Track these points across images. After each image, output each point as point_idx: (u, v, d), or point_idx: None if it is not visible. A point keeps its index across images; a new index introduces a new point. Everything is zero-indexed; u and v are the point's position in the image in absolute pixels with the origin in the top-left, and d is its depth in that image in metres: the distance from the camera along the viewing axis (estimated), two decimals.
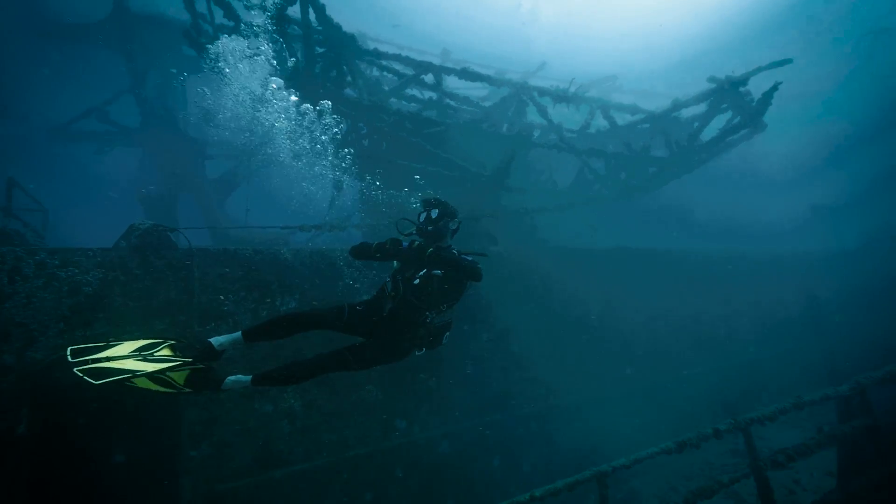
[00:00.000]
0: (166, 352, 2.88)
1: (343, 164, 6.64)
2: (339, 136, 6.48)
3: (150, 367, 2.72)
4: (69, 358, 2.63)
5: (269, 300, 5.22)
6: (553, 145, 6.56)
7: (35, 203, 8.95)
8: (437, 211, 3.31)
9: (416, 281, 3.09)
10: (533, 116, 7.36)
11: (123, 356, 2.72)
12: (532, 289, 7.18)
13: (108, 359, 2.67)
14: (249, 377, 3.08)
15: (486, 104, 7.76)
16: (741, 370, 9.45)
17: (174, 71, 15.97)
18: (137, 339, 2.94)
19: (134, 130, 16.84)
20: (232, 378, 3.06)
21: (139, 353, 2.80)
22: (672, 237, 10.70)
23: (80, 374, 2.55)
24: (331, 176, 6.66)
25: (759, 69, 6.49)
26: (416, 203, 5.93)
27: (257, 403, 4.85)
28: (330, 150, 6.06)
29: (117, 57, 15.59)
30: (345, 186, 6.68)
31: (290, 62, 5.40)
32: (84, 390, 4.10)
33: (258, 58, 5.80)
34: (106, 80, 17.28)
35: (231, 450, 4.63)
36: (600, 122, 7.86)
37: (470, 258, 3.15)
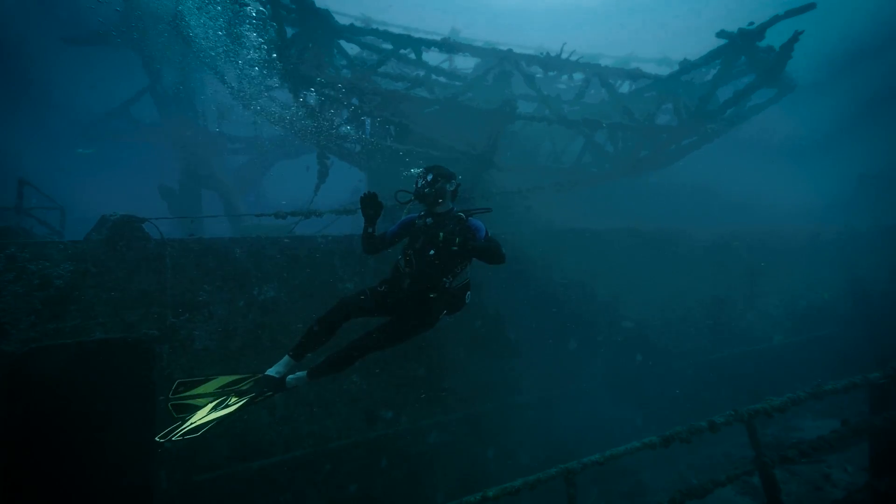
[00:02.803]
0: (235, 399, 3.11)
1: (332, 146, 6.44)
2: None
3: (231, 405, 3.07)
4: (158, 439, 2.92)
5: (246, 289, 5.12)
6: (542, 118, 6.09)
7: (50, 201, 9.26)
8: (432, 174, 3.27)
9: (432, 252, 3.11)
10: (527, 90, 6.85)
11: (203, 415, 3.00)
12: (530, 272, 6.81)
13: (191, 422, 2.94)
14: (305, 372, 3.20)
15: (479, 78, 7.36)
16: (771, 357, 8.75)
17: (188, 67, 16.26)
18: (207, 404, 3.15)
19: (155, 127, 17.38)
20: (292, 377, 3.19)
21: (216, 409, 3.07)
22: (689, 216, 9.96)
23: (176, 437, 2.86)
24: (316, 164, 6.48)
25: (777, 18, 5.69)
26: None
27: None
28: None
29: (135, 56, 15.98)
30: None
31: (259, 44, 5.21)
32: (56, 383, 4.15)
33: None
34: (130, 79, 17.82)
35: (208, 440, 4.56)
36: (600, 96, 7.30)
37: (483, 227, 3.15)
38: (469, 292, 3.38)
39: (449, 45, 6.00)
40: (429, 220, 3.25)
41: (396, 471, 5.35)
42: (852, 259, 10.51)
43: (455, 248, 2.94)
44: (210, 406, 3.09)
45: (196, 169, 16.74)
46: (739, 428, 4.23)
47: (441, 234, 3.07)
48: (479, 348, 6.24)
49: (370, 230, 3.30)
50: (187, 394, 3.15)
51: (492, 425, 6.07)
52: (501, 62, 6.34)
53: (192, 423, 2.92)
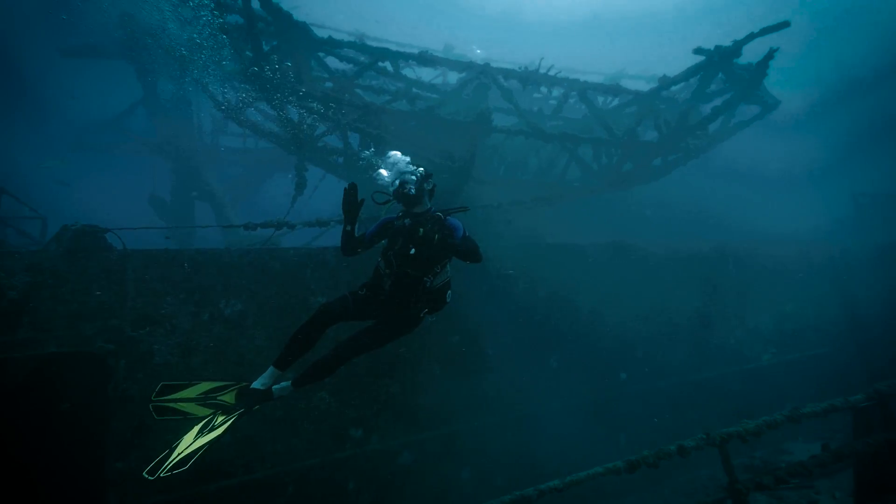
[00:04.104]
0: (222, 418, 3.04)
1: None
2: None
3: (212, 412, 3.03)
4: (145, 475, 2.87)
5: (212, 302, 4.99)
6: (518, 131, 6.04)
7: (32, 211, 9.18)
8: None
9: (412, 251, 3.13)
10: (506, 104, 6.82)
11: (190, 442, 2.91)
12: (511, 286, 6.68)
13: (178, 452, 2.84)
14: (290, 382, 3.19)
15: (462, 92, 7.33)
16: (761, 377, 8.55)
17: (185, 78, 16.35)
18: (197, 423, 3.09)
19: (149, 138, 17.43)
20: (277, 387, 3.18)
21: (202, 432, 2.99)
22: (678, 232, 9.85)
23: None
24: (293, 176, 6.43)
25: (752, 36, 5.68)
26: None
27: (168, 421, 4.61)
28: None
29: (131, 68, 16.08)
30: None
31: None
32: (3, 399, 3.99)
33: None
34: (123, 87, 17.94)
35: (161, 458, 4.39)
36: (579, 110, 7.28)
37: (460, 227, 3.19)
38: (450, 291, 3.41)
39: (425, 59, 6.00)
40: (407, 220, 3.25)
41: (364, 494, 5.14)
42: (844, 278, 10.37)
43: (434, 245, 3.01)
44: (196, 430, 2.98)
45: (189, 180, 16.73)
46: (734, 447, 4.07)
47: (421, 230, 3.10)
48: (456, 364, 6.07)
49: (349, 228, 3.26)
50: (170, 397, 3.13)
51: (467, 445, 5.87)
52: (479, 76, 6.33)
53: (179, 454, 2.81)
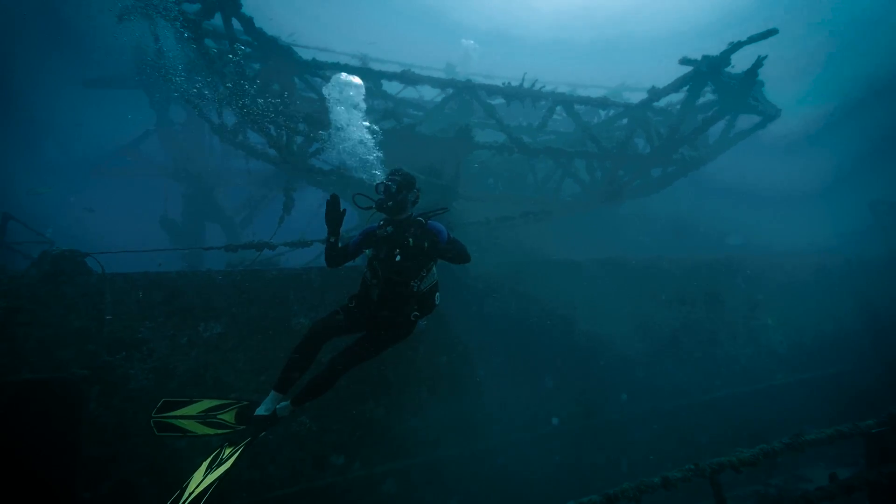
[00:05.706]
0: (230, 450, 3.02)
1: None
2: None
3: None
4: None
5: (191, 325, 4.94)
6: (501, 146, 5.96)
7: (40, 236, 9.38)
8: (394, 185, 3.19)
9: (398, 259, 3.16)
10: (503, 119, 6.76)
11: (200, 479, 2.89)
12: (503, 304, 6.50)
13: (189, 492, 2.82)
14: (289, 401, 3.22)
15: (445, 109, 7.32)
16: (776, 397, 8.09)
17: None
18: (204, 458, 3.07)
19: (163, 162, 17.95)
20: (278, 407, 3.20)
21: (211, 467, 2.96)
22: (682, 248, 9.55)
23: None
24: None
25: (739, 44, 5.52)
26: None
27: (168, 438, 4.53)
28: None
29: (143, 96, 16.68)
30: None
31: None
32: None
33: None
34: (141, 117, 18.62)
35: (134, 490, 4.30)
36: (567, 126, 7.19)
37: (444, 230, 3.23)
38: (438, 293, 3.41)
39: (408, 77, 6.02)
40: (389, 228, 3.24)
41: None
42: (864, 290, 9.85)
43: (424, 251, 3.04)
44: (204, 466, 2.96)
45: (199, 201, 17.10)
46: (744, 474, 3.81)
47: (411, 240, 3.10)
48: (445, 387, 5.88)
49: (332, 240, 3.23)
50: (171, 413, 3.16)
51: (456, 473, 5.63)
52: (461, 92, 6.32)
53: (191, 493, 2.78)
